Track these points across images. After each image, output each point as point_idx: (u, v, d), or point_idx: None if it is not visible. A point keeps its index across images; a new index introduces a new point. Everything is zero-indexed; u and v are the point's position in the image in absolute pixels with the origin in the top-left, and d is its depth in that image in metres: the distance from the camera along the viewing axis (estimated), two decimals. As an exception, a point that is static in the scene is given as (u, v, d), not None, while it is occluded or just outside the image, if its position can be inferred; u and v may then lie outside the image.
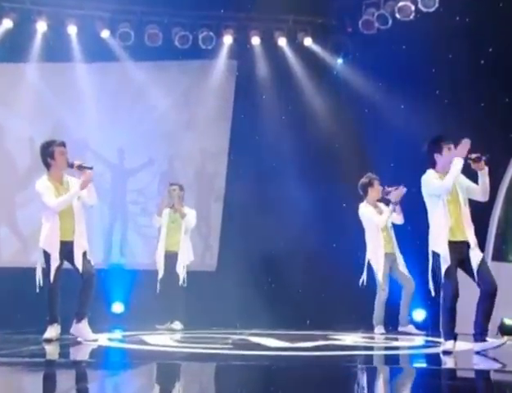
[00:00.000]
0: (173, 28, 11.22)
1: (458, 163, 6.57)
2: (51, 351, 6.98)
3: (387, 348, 7.92)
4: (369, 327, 9.09)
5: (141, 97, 11.68)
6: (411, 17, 10.29)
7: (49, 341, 7.26)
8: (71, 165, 7.53)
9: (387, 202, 9.23)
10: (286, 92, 11.47)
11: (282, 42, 11.48)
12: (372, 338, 8.57)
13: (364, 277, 9.05)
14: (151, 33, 11.15)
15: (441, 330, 6.75)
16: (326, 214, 10.63)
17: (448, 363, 6.44)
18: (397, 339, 8.50)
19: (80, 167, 7.51)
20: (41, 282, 7.44)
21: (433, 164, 6.79)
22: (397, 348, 7.99)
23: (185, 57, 11.55)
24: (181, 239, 9.79)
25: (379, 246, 9.11)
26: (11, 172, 11.77)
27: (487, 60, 10.01)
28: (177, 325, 9.44)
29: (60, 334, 7.42)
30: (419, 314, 10.12)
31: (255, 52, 11.63)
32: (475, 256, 6.61)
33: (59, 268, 7.38)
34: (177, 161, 11.92)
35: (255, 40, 11.47)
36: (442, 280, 6.56)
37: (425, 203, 6.80)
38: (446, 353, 6.57)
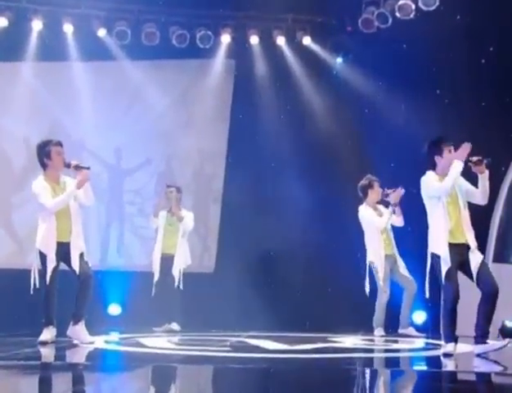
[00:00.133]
0: (171, 26, 11.16)
1: (458, 165, 6.56)
2: (47, 354, 6.93)
3: (387, 350, 7.89)
4: (369, 330, 9.05)
5: (139, 96, 11.64)
6: (412, 16, 10.24)
7: (44, 343, 7.22)
8: (68, 165, 7.49)
9: (387, 204, 9.21)
10: (285, 91, 11.45)
11: (281, 41, 11.43)
12: (372, 340, 8.55)
13: (367, 282, 9.02)
14: (148, 32, 11.09)
15: (441, 332, 6.73)
16: (325, 215, 10.61)
17: (449, 365, 6.41)
18: (397, 341, 8.49)
19: (77, 167, 7.48)
20: (36, 283, 7.39)
21: (432, 166, 6.77)
22: (397, 350, 7.98)
23: (182, 56, 11.51)
24: (179, 242, 9.76)
25: (379, 248, 9.08)
26: (6, 172, 11.72)
27: (488, 59, 9.98)
28: (175, 326, 9.42)
29: (56, 336, 7.37)
30: (420, 317, 10.09)
31: (254, 52, 11.58)
32: (475, 258, 6.59)
33: (55, 270, 7.34)
34: (175, 162, 11.90)
35: (254, 39, 11.42)
36: (443, 282, 6.53)
37: (425, 205, 6.77)
38: (447, 355, 6.54)
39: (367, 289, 8.99)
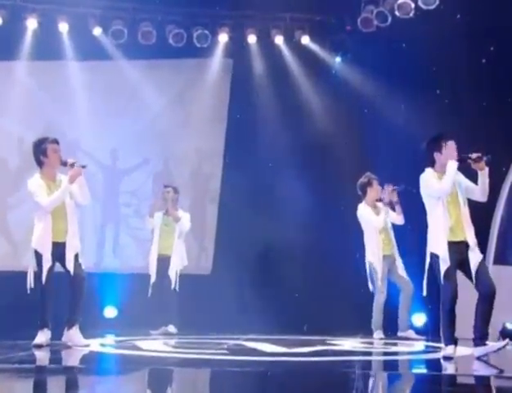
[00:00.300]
0: (167, 25, 11.14)
1: (452, 165, 6.58)
2: (42, 357, 6.88)
3: (386, 353, 7.86)
4: (368, 332, 9.03)
5: (135, 96, 11.59)
6: (411, 15, 10.22)
7: (39, 346, 7.16)
8: (64, 163, 7.46)
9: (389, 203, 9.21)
10: (283, 91, 11.40)
11: (279, 40, 11.40)
12: (371, 343, 8.53)
13: (370, 281, 9.06)
14: (145, 31, 11.06)
15: (441, 335, 6.69)
16: (324, 216, 10.60)
17: (449, 368, 6.38)
18: (396, 344, 8.46)
19: (73, 165, 7.42)
20: (32, 283, 7.33)
21: (432, 163, 6.75)
22: (396, 353, 7.95)
23: (179, 56, 11.49)
24: (175, 243, 9.70)
25: (377, 249, 9.07)
26: (0, 173, 11.67)
27: (489, 59, 9.98)
28: (172, 328, 9.37)
29: (51, 339, 7.32)
30: (419, 319, 10.04)
31: (251, 51, 11.56)
32: (474, 257, 6.56)
33: (51, 270, 7.29)
34: (172, 162, 11.88)
35: (251, 38, 11.39)
36: (442, 282, 6.51)
37: (424, 203, 6.76)
38: (447, 358, 6.51)
39: (371, 288, 9.01)
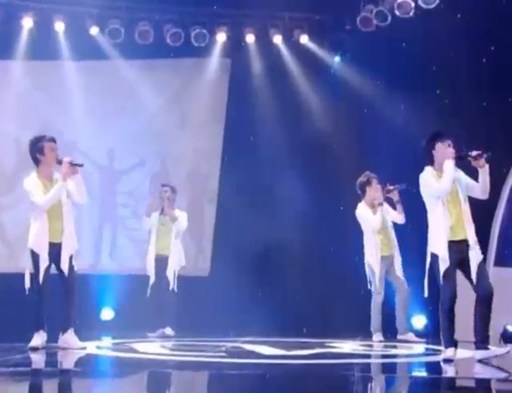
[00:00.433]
0: (165, 25, 11.11)
1: (449, 164, 6.57)
2: (37, 360, 6.85)
3: (385, 356, 7.84)
4: (367, 335, 9.00)
5: (132, 95, 11.55)
6: (411, 14, 10.24)
7: (35, 349, 7.12)
8: (60, 162, 7.40)
9: (388, 201, 9.22)
10: (282, 91, 11.40)
11: (277, 39, 11.39)
12: (370, 346, 8.51)
13: (369, 282, 9.04)
14: (142, 31, 11.03)
15: (441, 337, 6.66)
16: (323, 217, 10.60)
17: (449, 371, 6.37)
18: (395, 347, 8.44)
19: (70, 164, 7.37)
20: (28, 284, 7.30)
21: (431, 161, 6.76)
22: (395, 356, 7.93)
23: (177, 55, 11.48)
24: (172, 243, 9.65)
25: (375, 249, 9.05)
26: (-4, 173, 11.62)
27: (489, 58, 9.96)
28: (169, 331, 9.33)
29: (47, 342, 7.28)
30: (420, 321, 10.02)
31: (250, 50, 11.55)
32: (475, 257, 6.54)
33: (48, 270, 7.26)
34: (169, 162, 11.86)
35: (250, 37, 11.38)
36: (441, 282, 6.50)
37: (424, 202, 6.76)
38: (447, 361, 6.49)
39: (372, 288, 8.99)
